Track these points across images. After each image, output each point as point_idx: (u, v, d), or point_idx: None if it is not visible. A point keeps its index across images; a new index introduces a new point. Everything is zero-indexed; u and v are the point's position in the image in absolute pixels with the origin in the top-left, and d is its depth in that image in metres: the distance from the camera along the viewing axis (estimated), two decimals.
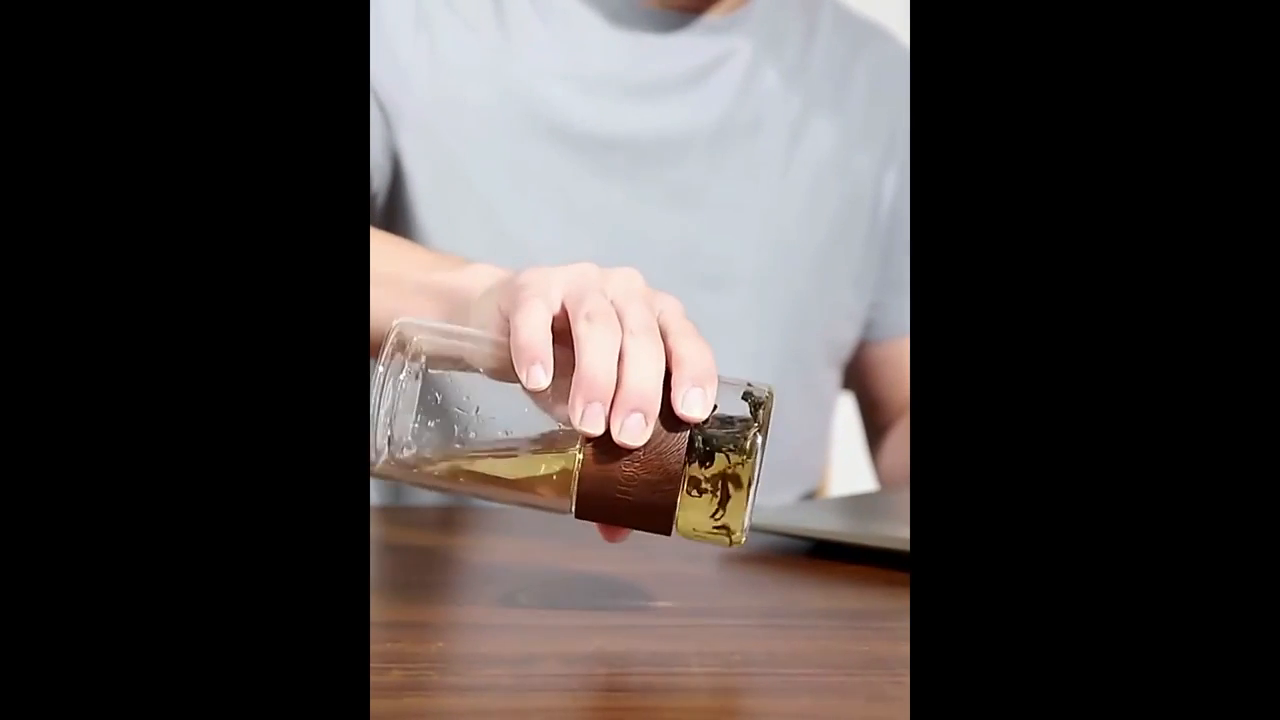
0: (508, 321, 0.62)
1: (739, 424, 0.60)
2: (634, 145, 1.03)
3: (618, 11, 1.04)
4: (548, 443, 0.61)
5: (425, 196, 1.00)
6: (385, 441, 0.61)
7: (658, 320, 0.61)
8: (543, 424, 0.61)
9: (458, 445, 0.61)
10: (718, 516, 0.61)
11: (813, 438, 1.14)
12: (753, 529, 0.83)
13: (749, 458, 0.60)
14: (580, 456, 0.60)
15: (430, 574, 0.78)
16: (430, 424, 0.61)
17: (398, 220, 1.01)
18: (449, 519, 0.95)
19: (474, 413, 0.61)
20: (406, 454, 0.61)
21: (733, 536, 0.61)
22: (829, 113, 1.09)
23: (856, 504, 0.91)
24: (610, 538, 0.65)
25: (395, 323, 0.62)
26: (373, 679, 0.57)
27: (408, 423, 0.61)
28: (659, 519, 0.61)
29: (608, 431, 0.59)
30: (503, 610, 0.68)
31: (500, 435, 0.61)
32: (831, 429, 1.18)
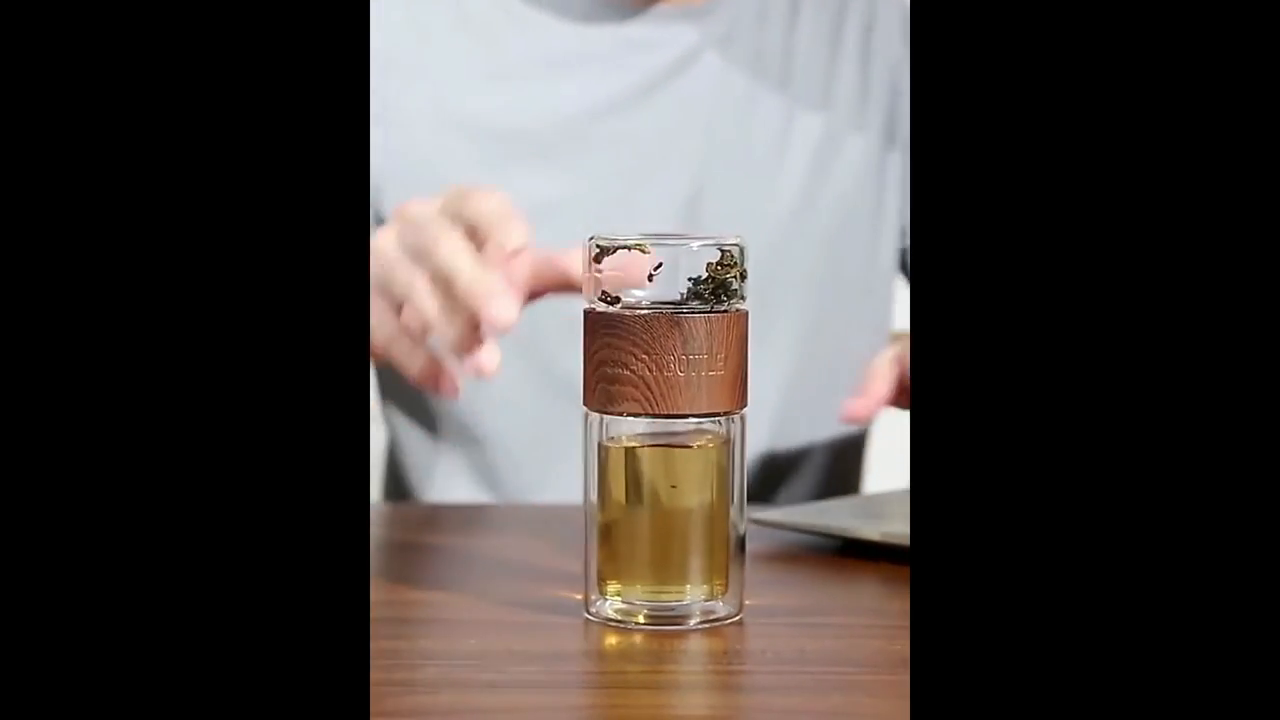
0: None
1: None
2: (637, 144, 1.04)
3: (589, 11, 1.04)
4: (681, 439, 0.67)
5: None
6: None
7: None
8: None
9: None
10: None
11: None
12: (782, 528, 0.83)
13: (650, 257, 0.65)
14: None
15: (464, 571, 0.79)
16: None
17: None
18: (482, 516, 0.96)
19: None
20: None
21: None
22: (821, 84, 1.08)
23: (887, 503, 0.91)
24: None
25: None
26: (408, 675, 0.58)
27: None
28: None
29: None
30: (535, 607, 0.68)
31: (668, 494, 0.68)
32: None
